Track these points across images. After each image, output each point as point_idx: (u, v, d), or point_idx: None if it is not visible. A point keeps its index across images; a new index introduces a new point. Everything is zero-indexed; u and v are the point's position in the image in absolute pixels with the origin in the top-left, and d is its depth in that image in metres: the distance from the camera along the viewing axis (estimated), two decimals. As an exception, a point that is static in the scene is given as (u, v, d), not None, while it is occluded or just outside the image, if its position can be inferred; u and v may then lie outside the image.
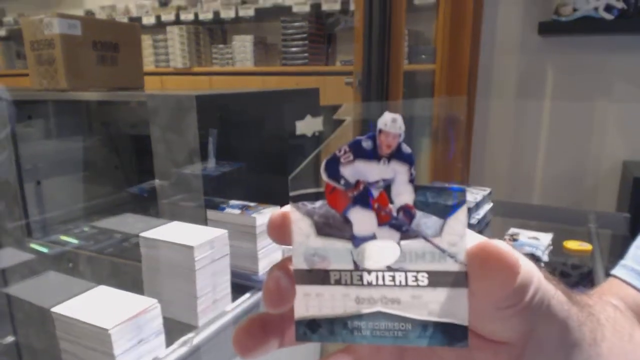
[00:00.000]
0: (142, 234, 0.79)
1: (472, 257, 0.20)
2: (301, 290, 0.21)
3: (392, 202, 0.21)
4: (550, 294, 0.25)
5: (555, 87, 2.22)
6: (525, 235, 1.06)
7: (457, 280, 0.20)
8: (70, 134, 1.36)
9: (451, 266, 0.20)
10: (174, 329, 0.72)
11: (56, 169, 1.27)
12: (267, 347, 0.23)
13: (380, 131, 0.21)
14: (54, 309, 0.64)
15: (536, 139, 2.29)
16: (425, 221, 0.21)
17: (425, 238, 0.21)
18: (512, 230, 1.09)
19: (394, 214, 0.21)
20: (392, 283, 0.21)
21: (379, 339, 0.21)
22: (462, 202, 0.21)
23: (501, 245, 0.20)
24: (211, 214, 0.96)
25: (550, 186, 2.30)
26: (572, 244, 1.07)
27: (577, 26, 2.05)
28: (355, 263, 0.21)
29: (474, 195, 1.15)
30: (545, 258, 0.98)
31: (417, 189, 0.21)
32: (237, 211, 0.94)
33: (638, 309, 0.47)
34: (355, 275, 0.21)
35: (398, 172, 0.21)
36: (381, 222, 0.21)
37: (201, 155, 1.01)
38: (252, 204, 0.97)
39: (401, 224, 0.21)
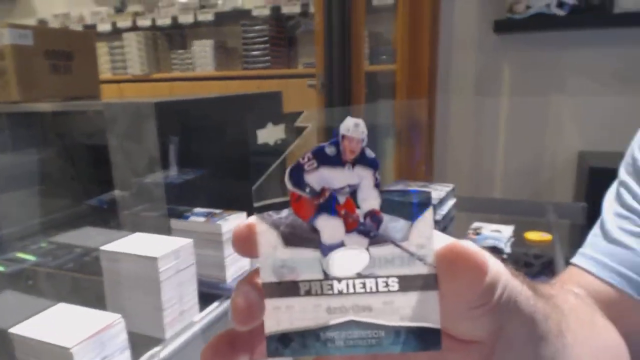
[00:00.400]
0: (103, 248, 0.77)
1: (441, 259, 0.20)
2: (271, 304, 0.21)
3: (358, 208, 0.21)
4: (517, 291, 0.25)
5: (512, 83, 2.28)
6: (488, 229, 1.08)
7: (427, 283, 0.20)
8: (25, 147, 1.31)
9: (421, 269, 0.20)
10: (139, 344, 0.70)
11: (11, 184, 1.22)
12: None
13: (344, 137, 0.20)
14: (12, 330, 0.62)
15: (495, 134, 2.35)
16: (392, 225, 0.21)
17: (394, 242, 0.21)
18: (476, 224, 1.11)
19: (361, 219, 0.21)
20: (362, 290, 0.21)
21: (352, 349, 0.20)
22: (428, 204, 0.21)
23: (469, 246, 0.20)
24: (175, 223, 0.94)
25: (510, 179, 2.36)
26: (532, 235, 1.10)
27: (531, 23, 2.11)
28: (324, 272, 0.21)
29: (437, 191, 1.16)
30: (507, 250, 1.00)
31: (383, 193, 0.21)
32: (202, 219, 0.92)
33: (597, 296, 0.48)
34: (325, 284, 0.21)
35: (363, 177, 0.21)
36: (349, 229, 0.21)
37: (162, 164, 0.99)
38: (217, 211, 0.95)
39: (369, 230, 0.21)
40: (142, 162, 0.99)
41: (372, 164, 0.21)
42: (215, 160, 1.17)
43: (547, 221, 1.21)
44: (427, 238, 0.20)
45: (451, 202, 1.20)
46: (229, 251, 0.90)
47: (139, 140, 0.99)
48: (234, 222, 0.92)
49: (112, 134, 1.00)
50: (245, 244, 0.22)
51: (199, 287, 0.82)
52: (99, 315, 0.65)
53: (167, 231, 0.93)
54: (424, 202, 0.21)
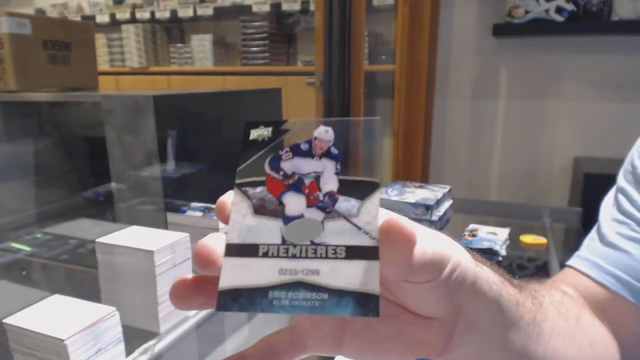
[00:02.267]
0: (98, 240, 0.77)
1: (380, 231, 0.23)
2: (229, 262, 0.23)
3: (320, 190, 0.25)
4: (474, 273, 0.27)
5: (509, 87, 2.29)
6: (484, 231, 1.08)
7: (370, 253, 0.23)
8: (21, 137, 1.30)
9: (366, 242, 0.23)
10: (134, 337, 0.70)
11: (6, 174, 1.22)
12: (194, 304, 0.25)
13: (315, 138, 0.25)
14: (6, 320, 0.61)
15: (492, 137, 2.36)
16: (346, 204, 0.24)
17: (345, 217, 0.24)
18: (472, 226, 1.12)
19: (321, 198, 0.24)
20: (313, 255, 0.23)
21: (296, 309, 0.22)
22: (377, 189, 0.24)
23: (402, 220, 0.23)
24: (171, 217, 0.94)
25: (506, 183, 2.37)
26: (528, 238, 1.10)
27: (529, 28, 2.11)
28: (283, 238, 0.24)
29: (434, 192, 1.17)
30: (503, 252, 1.00)
31: (341, 180, 0.25)
32: (199, 213, 0.92)
33: (591, 297, 0.48)
34: (281, 248, 0.23)
35: (327, 167, 0.25)
36: (309, 205, 0.24)
37: (160, 157, 0.98)
38: (214, 205, 0.95)
39: (326, 206, 0.24)
40: (139, 155, 0.99)
41: (335, 158, 0.25)
42: (213, 155, 1.17)
43: (542, 225, 1.22)
44: (374, 216, 0.23)
45: (447, 204, 1.20)
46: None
47: (136, 133, 0.98)
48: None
49: (110, 126, 1.00)
50: (223, 211, 0.25)
51: (194, 281, 0.81)
52: (94, 308, 0.65)
53: (164, 225, 0.93)
54: (373, 187, 0.24)
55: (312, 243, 0.23)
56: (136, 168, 0.99)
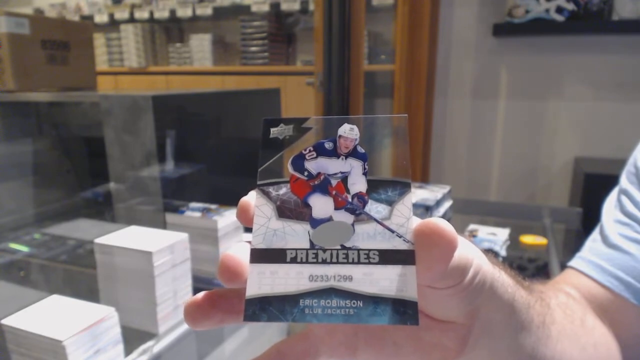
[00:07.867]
0: (97, 240, 0.76)
1: (417, 233, 0.22)
2: (255, 268, 0.22)
3: (348, 191, 0.24)
4: (492, 277, 0.26)
5: (510, 87, 2.28)
6: (484, 232, 1.08)
7: (405, 258, 0.22)
8: (19, 137, 1.30)
9: (400, 245, 0.22)
10: (133, 338, 0.69)
11: (5, 174, 1.21)
12: (212, 322, 0.24)
13: (340, 136, 0.24)
14: (4, 321, 0.61)
15: (492, 137, 2.35)
16: (376, 206, 0.23)
17: (377, 220, 0.23)
18: (472, 226, 1.12)
19: (350, 199, 0.23)
20: (345, 260, 0.22)
21: (330, 318, 0.21)
22: (408, 190, 0.23)
23: (441, 222, 0.21)
24: (170, 217, 0.94)
25: (506, 183, 2.37)
26: (528, 239, 1.10)
27: (529, 27, 2.11)
28: (311, 243, 0.22)
29: (434, 193, 1.16)
30: (503, 253, 1.00)
31: (370, 180, 0.24)
32: (198, 214, 0.92)
33: (593, 299, 0.48)
34: (310, 253, 0.22)
35: (354, 167, 0.24)
36: (338, 207, 0.23)
37: (159, 157, 0.98)
38: (213, 206, 0.95)
39: (355, 208, 0.23)
40: (138, 155, 0.98)
41: (362, 157, 0.24)
42: (212, 155, 1.16)
43: (542, 225, 1.22)
44: (407, 218, 0.23)
45: (447, 204, 1.20)
46: (224, 247, 0.89)
47: (135, 133, 0.98)
48: (230, 217, 0.92)
49: (109, 126, 1.00)
50: (246, 214, 0.24)
51: (193, 282, 0.81)
52: (93, 308, 0.64)
53: (162, 225, 0.93)
54: (405, 188, 0.23)
55: (343, 247, 0.22)
56: (135, 168, 0.99)
